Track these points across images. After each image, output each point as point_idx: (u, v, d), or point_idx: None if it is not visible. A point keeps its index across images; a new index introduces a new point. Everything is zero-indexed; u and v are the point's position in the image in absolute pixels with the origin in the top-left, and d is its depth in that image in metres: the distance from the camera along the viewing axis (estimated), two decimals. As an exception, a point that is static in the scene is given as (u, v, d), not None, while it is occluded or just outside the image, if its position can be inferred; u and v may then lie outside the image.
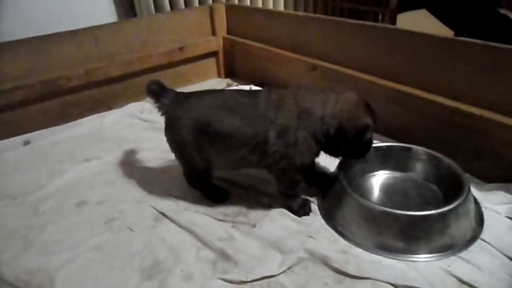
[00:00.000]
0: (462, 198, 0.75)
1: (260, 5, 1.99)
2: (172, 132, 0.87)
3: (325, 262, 0.71)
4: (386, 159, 0.93)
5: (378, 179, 0.92)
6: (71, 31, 1.32)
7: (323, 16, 1.22)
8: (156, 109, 0.91)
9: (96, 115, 1.37)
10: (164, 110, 0.89)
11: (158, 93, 0.89)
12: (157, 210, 0.90)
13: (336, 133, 0.77)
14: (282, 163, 0.80)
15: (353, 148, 0.80)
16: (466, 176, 0.83)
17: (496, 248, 0.72)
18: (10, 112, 1.26)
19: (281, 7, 2.04)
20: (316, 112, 0.78)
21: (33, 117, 1.30)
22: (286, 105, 0.79)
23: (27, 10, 1.57)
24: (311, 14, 1.26)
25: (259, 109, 0.79)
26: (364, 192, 0.87)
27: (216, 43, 1.61)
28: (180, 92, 0.90)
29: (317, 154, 0.84)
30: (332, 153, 0.84)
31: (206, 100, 0.85)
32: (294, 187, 0.85)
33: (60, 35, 1.30)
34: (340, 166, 0.88)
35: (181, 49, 1.52)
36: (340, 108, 0.78)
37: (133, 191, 0.98)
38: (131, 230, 0.85)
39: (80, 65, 1.34)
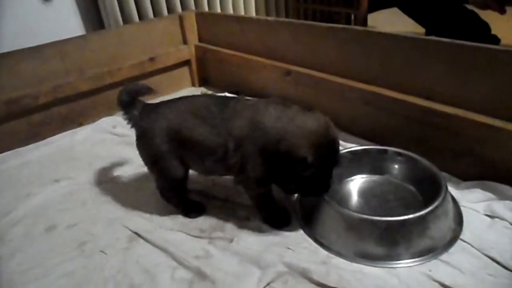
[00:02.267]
0: (440, 198, 0.74)
1: (231, 11, 1.97)
2: (145, 143, 0.85)
3: (305, 275, 0.69)
4: (362, 163, 0.92)
5: (356, 184, 0.91)
6: (35, 47, 1.27)
7: (293, 20, 1.21)
8: (126, 122, 0.88)
9: (66, 133, 1.33)
10: (134, 122, 0.87)
11: (128, 104, 0.87)
12: (131, 230, 0.86)
13: (274, 154, 0.71)
14: (241, 176, 0.78)
15: (297, 181, 0.74)
16: (444, 175, 0.83)
17: (476, 248, 0.71)
18: (-26, 134, 1.21)
19: (253, 13, 2.02)
20: (265, 126, 0.73)
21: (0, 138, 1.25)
22: (243, 116, 0.76)
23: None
24: (282, 19, 1.25)
25: (224, 119, 0.78)
26: (343, 198, 0.86)
27: (188, 52, 1.58)
28: (148, 103, 0.88)
29: (272, 172, 0.75)
30: (280, 182, 0.79)
31: (178, 107, 0.83)
32: (261, 200, 0.82)
33: (23, 51, 1.25)
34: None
35: (152, 59, 1.49)
36: (289, 126, 0.71)
37: (106, 211, 0.94)
38: (104, 253, 0.81)
39: (46, 82, 1.30)
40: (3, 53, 1.22)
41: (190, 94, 1.55)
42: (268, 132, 0.72)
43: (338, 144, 0.75)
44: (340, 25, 1.05)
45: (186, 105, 0.83)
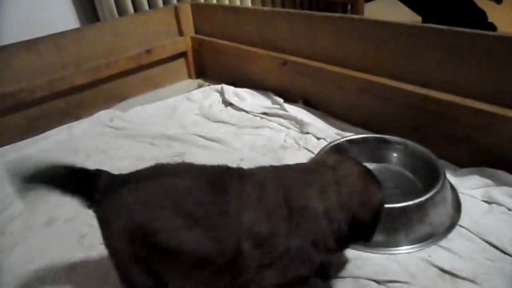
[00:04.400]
0: (439, 185, 0.74)
1: (227, 2, 1.95)
2: (104, 237, 0.60)
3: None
4: (361, 151, 0.92)
5: (355, 172, 0.91)
6: (30, 40, 1.27)
7: (290, 10, 1.20)
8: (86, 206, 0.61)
9: (63, 126, 1.32)
10: (95, 207, 0.60)
11: (75, 183, 0.60)
12: (130, 221, 0.87)
13: (351, 228, 0.56)
14: (265, 281, 0.56)
15: (371, 233, 0.60)
16: (441, 162, 0.83)
17: (474, 233, 0.72)
18: (-27, 130, 1.20)
19: (249, 3, 2.01)
20: (315, 209, 0.55)
21: (-2, 133, 1.24)
22: (268, 203, 0.55)
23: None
24: (278, 9, 1.25)
25: (228, 215, 0.53)
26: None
27: (184, 44, 1.57)
28: (116, 176, 0.61)
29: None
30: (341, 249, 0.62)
31: (150, 193, 0.56)
32: None
33: (18, 45, 1.24)
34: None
35: (148, 51, 1.48)
36: (348, 193, 0.56)
37: (105, 203, 0.94)
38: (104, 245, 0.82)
39: (42, 76, 1.29)
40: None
41: (187, 86, 1.58)
42: (328, 211, 0.55)
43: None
44: (337, 14, 1.05)
45: (163, 191, 0.56)
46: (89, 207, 0.60)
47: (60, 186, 0.61)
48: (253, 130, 1.15)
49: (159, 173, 0.59)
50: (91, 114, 1.37)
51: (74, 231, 0.87)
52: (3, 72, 1.22)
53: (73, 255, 0.80)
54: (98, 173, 0.61)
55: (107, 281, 0.73)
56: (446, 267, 0.66)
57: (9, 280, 0.76)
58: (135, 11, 1.66)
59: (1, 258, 0.81)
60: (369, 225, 0.57)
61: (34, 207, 0.96)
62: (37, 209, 0.95)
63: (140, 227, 0.54)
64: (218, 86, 1.42)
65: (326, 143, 0.99)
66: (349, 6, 1.93)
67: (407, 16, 1.84)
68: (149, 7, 1.70)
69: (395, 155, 0.91)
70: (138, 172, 0.61)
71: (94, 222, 0.87)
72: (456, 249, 0.69)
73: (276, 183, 0.57)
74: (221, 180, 0.57)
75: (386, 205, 0.70)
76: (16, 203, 0.97)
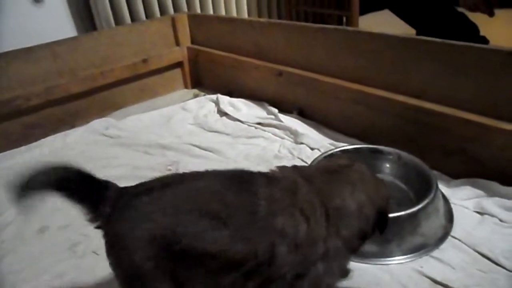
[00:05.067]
0: (431, 196, 0.75)
1: (223, 12, 1.97)
2: (119, 256, 0.54)
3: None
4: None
5: (348, 183, 0.91)
6: (27, 48, 1.27)
7: (285, 22, 1.22)
8: (89, 219, 0.56)
9: (58, 135, 1.32)
10: (103, 222, 0.55)
11: (83, 190, 0.56)
12: (123, 230, 0.86)
13: (375, 221, 0.59)
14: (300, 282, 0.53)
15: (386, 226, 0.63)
16: (434, 173, 0.84)
17: (466, 244, 0.72)
18: (-34, 137, 1.20)
19: (245, 14, 2.03)
20: (351, 208, 0.56)
21: (-9, 141, 1.24)
22: (304, 206, 0.53)
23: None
24: (274, 20, 1.26)
25: (258, 213, 0.52)
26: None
27: (180, 54, 1.58)
28: (125, 189, 0.58)
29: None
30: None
31: (169, 200, 0.53)
32: None
33: (15, 52, 1.25)
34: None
35: (144, 61, 1.49)
36: (370, 190, 0.59)
37: (98, 212, 0.94)
38: (96, 254, 0.81)
39: (38, 83, 1.29)
40: (-4, 54, 1.22)
41: (183, 95, 1.58)
42: (361, 207, 0.56)
43: None
44: (331, 26, 1.07)
45: (182, 195, 0.54)
46: (93, 220, 0.55)
47: (65, 190, 0.56)
48: (247, 140, 1.16)
49: (176, 180, 0.57)
50: (87, 122, 1.37)
51: (67, 239, 0.86)
52: (1, 80, 1.23)
53: (65, 264, 0.79)
54: (107, 184, 0.58)
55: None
56: (438, 278, 0.66)
57: None
58: (132, 20, 1.68)
59: (-7, 266, 0.81)
60: (388, 218, 0.62)
61: (27, 214, 0.96)
62: (29, 217, 0.94)
63: (164, 236, 0.51)
64: (214, 96, 1.43)
65: (320, 153, 1.00)
66: (344, 19, 1.95)
67: (402, 29, 1.86)
68: (146, 17, 1.72)
69: (388, 165, 0.91)
70: (147, 183, 0.58)
71: (87, 230, 0.88)
72: (448, 260, 0.69)
73: (307, 185, 0.56)
74: (247, 182, 0.55)
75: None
76: (9, 210, 0.96)
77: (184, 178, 0.57)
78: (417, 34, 1.84)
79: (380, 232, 0.62)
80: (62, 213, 0.95)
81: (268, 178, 0.57)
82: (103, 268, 0.78)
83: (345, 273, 0.63)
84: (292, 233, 0.52)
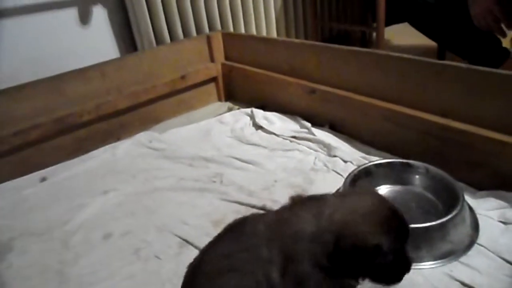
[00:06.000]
0: (459, 207, 0.83)
1: (253, 30, 2.08)
2: None
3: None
4: (387, 174, 1.01)
5: (382, 193, 1.00)
6: (80, 69, 1.40)
7: (317, 43, 1.31)
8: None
9: (107, 147, 1.43)
10: None
11: None
12: (180, 237, 0.96)
13: (336, 253, 0.56)
14: None
15: (375, 273, 0.60)
16: (460, 185, 0.92)
17: (492, 251, 0.80)
18: (26, 151, 1.32)
19: (273, 31, 2.14)
20: (305, 232, 0.58)
21: (48, 154, 1.36)
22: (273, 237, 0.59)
23: (40, 50, 1.65)
24: (307, 41, 1.35)
25: (253, 251, 0.59)
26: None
27: (215, 69, 1.69)
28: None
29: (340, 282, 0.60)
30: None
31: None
32: None
33: (70, 73, 1.37)
34: (346, 182, 0.96)
35: (183, 77, 1.60)
36: (339, 217, 0.58)
37: (155, 220, 1.03)
38: (159, 258, 0.91)
39: (89, 101, 1.42)
40: (53, 76, 1.34)
41: (217, 108, 1.69)
42: (316, 231, 0.58)
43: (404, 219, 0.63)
44: (363, 49, 1.16)
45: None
46: None
47: None
48: (284, 152, 1.25)
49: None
50: (131, 135, 1.48)
51: (130, 245, 0.95)
52: (56, 98, 1.35)
53: (132, 267, 0.89)
54: None
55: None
56: (466, 281, 0.74)
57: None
58: (171, 39, 1.80)
59: (68, 269, 0.91)
60: (351, 259, 0.56)
61: (90, 223, 1.06)
62: (93, 225, 1.05)
63: None
64: (248, 110, 1.53)
65: (353, 166, 1.09)
66: (367, 34, 2.04)
67: (424, 40, 1.93)
68: (184, 36, 1.84)
69: (417, 177, 0.99)
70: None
71: (147, 237, 0.99)
72: (476, 265, 0.77)
73: (279, 220, 0.62)
74: (241, 231, 0.63)
75: (411, 225, 0.80)
76: (74, 219, 1.08)
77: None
78: (439, 47, 1.91)
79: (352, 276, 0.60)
80: (122, 221, 1.05)
81: (254, 222, 0.64)
82: (167, 271, 0.88)
83: None
84: (273, 258, 0.57)
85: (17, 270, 0.92)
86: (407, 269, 0.62)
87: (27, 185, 1.26)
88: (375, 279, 0.61)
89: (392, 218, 0.61)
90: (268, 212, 0.69)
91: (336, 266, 0.57)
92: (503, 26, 1.48)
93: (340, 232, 0.57)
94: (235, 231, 0.64)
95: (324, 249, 0.57)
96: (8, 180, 1.28)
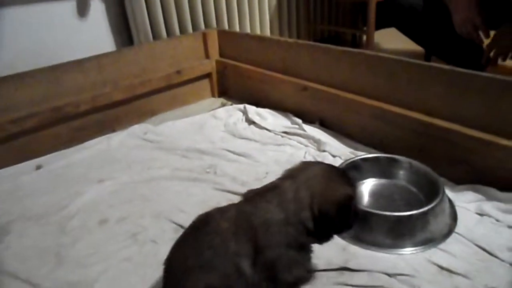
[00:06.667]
0: (439, 199, 0.89)
1: (247, 29, 2.13)
2: None
3: (328, 261, 0.83)
4: (373, 168, 1.07)
5: (367, 186, 1.06)
6: (78, 60, 1.42)
7: (310, 43, 1.36)
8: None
9: (102, 137, 1.47)
10: None
11: None
12: (175, 223, 1.00)
13: (319, 222, 0.68)
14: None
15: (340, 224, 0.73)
16: (442, 180, 0.98)
17: (468, 239, 0.86)
18: (23, 138, 1.35)
19: (267, 30, 2.19)
20: (276, 220, 0.66)
21: (44, 142, 1.39)
22: (239, 231, 0.65)
23: (38, 41, 1.67)
24: (301, 41, 1.40)
25: (220, 247, 0.63)
26: (356, 198, 1.01)
27: (210, 66, 1.74)
28: None
29: (308, 246, 0.72)
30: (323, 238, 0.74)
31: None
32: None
33: (68, 64, 1.40)
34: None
35: (178, 72, 1.64)
36: (308, 195, 0.69)
37: (150, 208, 1.07)
38: (155, 242, 0.95)
39: (86, 92, 1.45)
40: (52, 66, 1.37)
41: (211, 104, 1.74)
42: (288, 217, 0.67)
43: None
44: (355, 50, 1.21)
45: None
46: None
47: None
48: (276, 147, 1.30)
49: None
50: (126, 127, 1.51)
51: (126, 230, 0.99)
52: (54, 88, 1.38)
53: (129, 250, 0.92)
54: None
55: (160, 270, 0.86)
56: (444, 265, 0.80)
57: (76, 269, 0.88)
58: (168, 35, 1.83)
59: (66, 251, 0.94)
60: (335, 217, 0.68)
61: (87, 209, 1.09)
62: (90, 211, 1.07)
63: None
64: (241, 106, 1.58)
65: (341, 160, 1.14)
66: (357, 36, 2.11)
67: (411, 44, 2.00)
68: (180, 32, 1.87)
69: (402, 172, 1.05)
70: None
71: (143, 222, 1.02)
72: (453, 251, 0.83)
73: (241, 214, 0.67)
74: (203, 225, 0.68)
75: (395, 214, 0.86)
76: (70, 205, 1.10)
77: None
78: (426, 53, 1.98)
79: (336, 231, 0.74)
80: (118, 208, 1.08)
81: (214, 221, 0.67)
82: (164, 254, 0.90)
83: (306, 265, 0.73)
84: (241, 251, 0.63)
85: (15, 251, 0.95)
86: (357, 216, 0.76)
87: (23, 172, 1.28)
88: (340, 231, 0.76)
89: (343, 171, 0.76)
90: (226, 207, 0.71)
91: (322, 228, 0.68)
92: (481, 33, 1.56)
93: (317, 200, 0.67)
94: (200, 230, 0.68)
95: (299, 228, 0.67)
96: (5, 167, 1.31)
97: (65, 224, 1.03)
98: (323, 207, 0.68)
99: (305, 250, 0.71)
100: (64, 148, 1.42)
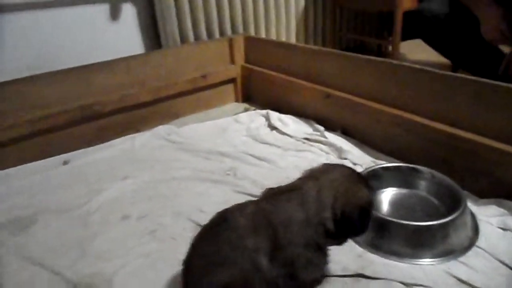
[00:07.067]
0: (460, 210, 0.87)
1: (274, 36, 2.16)
2: None
3: (344, 267, 0.83)
4: (394, 178, 1.06)
5: (387, 195, 1.05)
6: (107, 61, 1.47)
7: (335, 51, 1.37)
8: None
9: (126, 137, 1.50)
10: None
11: None
12: (194, 222, 1.01)
13: (340, 224, 0.69)
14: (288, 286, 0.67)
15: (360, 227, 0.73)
16: (464, 192, 0.96)
17: (489, 253, 0.84)
18: (52, 134, 1.40)
19: (293, 37, 2.21)
20: (297, 219, 0.67)
21: (72, 139, 1.43)
22: (257, 228, 0.66)
23: (72, 41, 1.74)
24: (325, 49, 1.42)
25: (238, 243, 0.65)
26: (375, 206, 1.00)
27: (235, 71, 1.76)
28: None
29: (325, 248, 0.73)
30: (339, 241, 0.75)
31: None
32: None
33: (98, 64, 1.45)
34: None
35: (203, 76, 1.67)
36: (331, 196, 0.69)
37: (171, 206, 1.09)
38: (174, 239, 0.97)
39: (114, 92, 1.49)
40: (83, 66, 1.42)
41: (234, 108, 1.76)
42: (308, 217, 0.68)
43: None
44: (379, 58, 1.21)
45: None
46: None
47: None
48: (296, 153, 1.31)
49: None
50: (150, 128, 1.55)
51: (146, 227, 1.01)
52: (84, 87, 1.43)
53: (148, 246, 0.94)
54: None
55: (178, 267, 0.87)
56: (463, 278, 0.78)
57: (96, 262, 0.91)
58: (195, 39, 1.88)
59: (87, 244, 0.97)
60: (356, 219, 0.69)
61: (108, 205, 1.11)
62: (111, 207, 1.10)
63: None
64: (264, 111, 1.59)
65: (362, 169, 1.14)
66: (383, 46, 2.10)
67: (436, 56, 1.98)
68: (207, 37, 1.91)
69: (423, 183, 1.04)
70: None
71: (163, 220, 1.04)
72: (473, 265, 0.81)
73: (260, 211, 0.68)
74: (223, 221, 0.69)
75: (413, 223, 0.85)
76: (92, 201, 1.13)
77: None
78: (453, 65, 1.95)
79: (356, 234, 0.74)
80: (139, 205, 1.11)
81: (232, 216, 0.69)
82: (182, 251, 0.92)
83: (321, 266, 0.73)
84: (261, 246, 0.64)
85: (40, 241, 0.99)
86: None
87: (51, 166, 1.33)
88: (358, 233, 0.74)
89: (362, 175, 0.77)
90: (245, 204, 0.72)
91: (341, 230, 0.69)
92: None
93: (340, 201, 0.68)
94: (219, 226, 0.69)
95: (319, 229, 0.68)
96: (33, 161, 1.36)
97: (88, 218, 1.06)
98: (346, 208, 0.69)
99: (322, 252, 0.72)
100: (90, 146, 1.46)
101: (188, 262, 0.70)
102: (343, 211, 0.68)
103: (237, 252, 0.64)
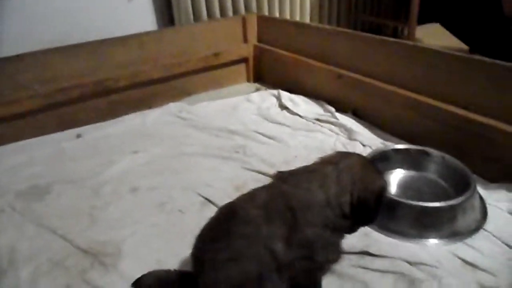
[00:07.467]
0: (468, 194, 0.87)
1: (287, 15, 2.13)
2: None
3: (350, 244, 0.83)
4: (403, 159, 1.05)
5: (396, 176, 1.05)
6: (121, 37, 1.48)
7: (349, 31, 1.35)
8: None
9: (138, 113, 1.52)
10: None
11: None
12: (203, 196, 1.03)
13: (357, 209, 0.69)
14: (304, 267, 0.67)
15: (374, 213, 0.74)
16: (474, 176, 0.95)
17: (496, 237, 0.84)
18: (67, 107, 1.42)
19: (307, 18, 2.18)
20: (317, 200, 0.68)
21: (85, 113, 1.46)
22: (274, 215, 0.66)
23: (87, 17, 1.75)
24: (339, 28, 1.40)
25: (251, 235, 0.64)
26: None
27: (247, 50, 1.75)
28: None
29: (342, 235, 0.73)
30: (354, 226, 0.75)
31: None
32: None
33: (112, 40, 1.46)
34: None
35: (216, 55, 1.67)
36: (350, 181, 0.70)
37: (180, 180, 1.11)
38: (182, 212, 0.98)
39: (126, 68, 1.50)
40: (97, 41, 1.43)
41: (245, 88, 1.75)
42: (329, 198, 0.68)
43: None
44: (393, 39, 1.19)
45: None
46: None
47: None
48: (306, 133, 1.31)
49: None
50: (161, 105, 1.56)
51: (155, 199, 1.03)
52: (99, 62, 1.44)
53: (156, 217, 0.96)
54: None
55: (185, 239, 0.89)
56: (468, 260, 0.78)
57: (106, 230, 0.93)
58: (208, 17, 1.87)
59: (98, 213, 1.00)
60: (372, 206, 0.71)
61: (119, 177, 1.13)
62: (122, 179, 1.12)
63: None
64: (275, 91, 1.59)
65: (371, 150, 1.14)
66: (399, 28, 2.06)
67: (454, 41, 1.94)
68: (220, 15, 1.90)
69: (433, 165, 1.03)
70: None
71: (172, 193, 1.06)
72: (479, 248, 0.81)
73: (277, 195, 0.68)
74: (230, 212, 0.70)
75: (420, 204, 0.85)
76: (104, 173, 1.15)
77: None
78: (470, 50, 1.92)
79: (370, 220, 0.75)
80: (149, 178, 1.13)
81: (242, 208, 0.68)
82: (189, 223, 0.94)
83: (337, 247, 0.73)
84: (279, 232, 0.64)
85: (53, 210, 1.01)
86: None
87: (64, 139, 1.36)
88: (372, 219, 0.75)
89: (373, 164, 0.77)
90: (254, 193, 0.72)
91: (356, 215, 0.69)
92: None
93: (357, 187, 0.69)
94: (228, 221, 0.68)
95: (337, 211, 0.68)
96: (49, 133, 1.39)
97: (99, 189, 1.09)
98: (363, 194, 0.69)
99: (339, 233, 0.72)
100: (103, 120, 1.48)
101: (199, 261, 0.69)
102: (360, 196, 0.69)
103: (251, 244, 0.64)
